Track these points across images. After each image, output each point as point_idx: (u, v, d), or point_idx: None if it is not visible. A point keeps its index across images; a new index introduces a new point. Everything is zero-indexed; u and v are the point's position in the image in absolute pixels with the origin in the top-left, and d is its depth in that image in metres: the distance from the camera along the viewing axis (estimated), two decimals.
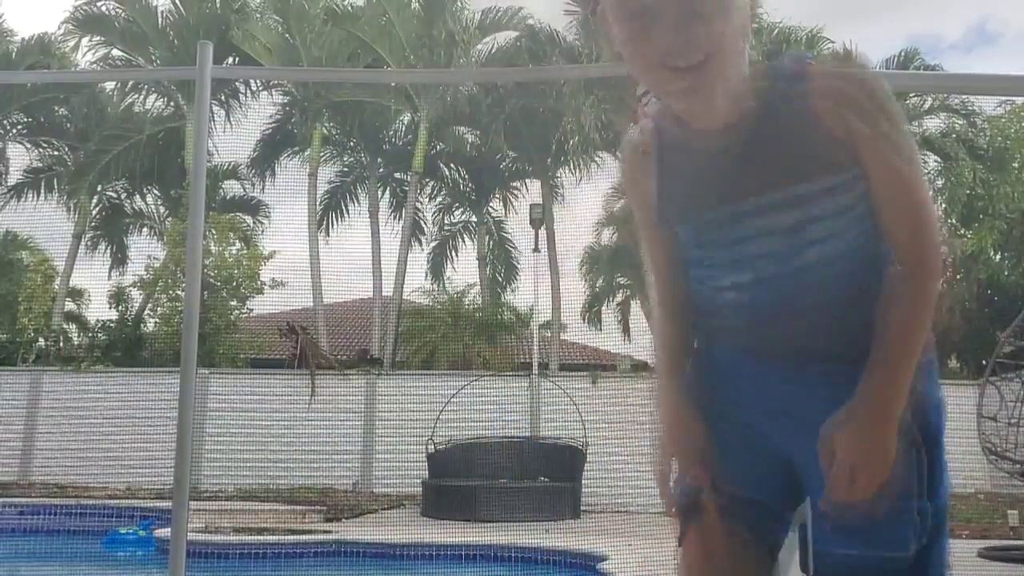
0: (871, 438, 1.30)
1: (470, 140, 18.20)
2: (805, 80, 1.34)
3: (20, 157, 17.71)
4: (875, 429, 1.31)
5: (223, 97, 17.36)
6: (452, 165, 18.48)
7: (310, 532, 9.02)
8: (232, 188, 18.49)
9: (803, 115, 1.31)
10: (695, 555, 1.50)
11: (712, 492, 1.48)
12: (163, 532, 7.65)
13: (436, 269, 18.55)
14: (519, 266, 18.68)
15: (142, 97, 17.74)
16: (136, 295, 16.47)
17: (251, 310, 15.95)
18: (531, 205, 16.40)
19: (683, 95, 1.30)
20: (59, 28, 17.40)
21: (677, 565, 1.52)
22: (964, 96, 15.51)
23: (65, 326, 16.52)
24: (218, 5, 17.48)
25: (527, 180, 18.03)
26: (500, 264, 18.88)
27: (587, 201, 17.74)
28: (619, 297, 20.66)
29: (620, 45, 1.29)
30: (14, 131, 17.69)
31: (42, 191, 17.71)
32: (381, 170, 18.04)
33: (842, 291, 1.37)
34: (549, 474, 11.36)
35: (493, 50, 17.08)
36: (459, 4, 17.10)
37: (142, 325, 16.01)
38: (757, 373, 1.43)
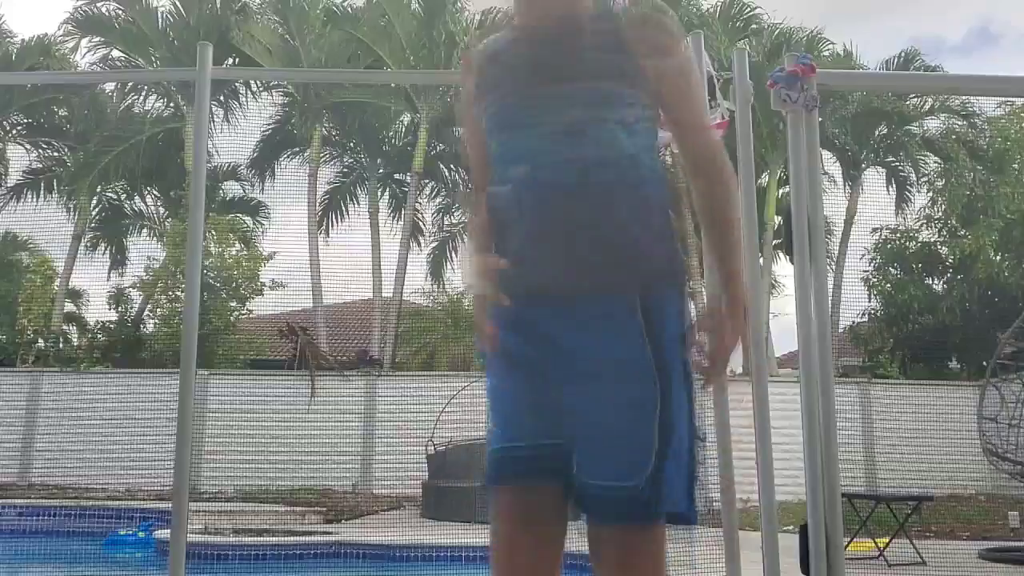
0: (737, 328, 1.55)
1: None
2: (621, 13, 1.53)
3: (20, 158, 17.72)
4: (739, 320, 1.55)
5: (223, 98, 17.36)
6: (452, 166, 18.47)
7: (310, 533, 9.02)
8: (232, 189, 18.49)
9: (617, 32, 1.49)
10: (512, 521, 1.54)
11: (506, 444, 1.54)
12: (163, 533, 7.64)
13: (436, 270, 18.55)
14: None
15: (142, 98, 17.74)
16: (136, 296, 16.47)
17: (251, 311, 15.94)
18: None
19: None
20: (59, 29, 17.42)
21: (491, 535, 1.55)
22: (964, 97, 15.50)
23: (65, 327, 16.50)
24: (218, 6, 17.48)
25: None
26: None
27: None
28: None
29: None
30: (14, 132, 17.68)
31: (42, 192, 17.70)
32: (381, 171, 18.03)
33: (621, 200, 1.48)
34: None
35: None
36: (459, 5, 17.11)
37: (142, 326, 16.00)
38: (536, 317, 1.51)
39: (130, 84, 17.56)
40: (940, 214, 16.96)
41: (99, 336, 15.63)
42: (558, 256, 1.47)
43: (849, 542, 6.61)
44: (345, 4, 17.50)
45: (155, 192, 18.45)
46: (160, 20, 17.32)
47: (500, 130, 1.53)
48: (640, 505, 1.43)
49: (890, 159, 17.66)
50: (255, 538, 8.46)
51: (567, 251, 1.46)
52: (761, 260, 11.57)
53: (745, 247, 3.26)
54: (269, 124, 17.69)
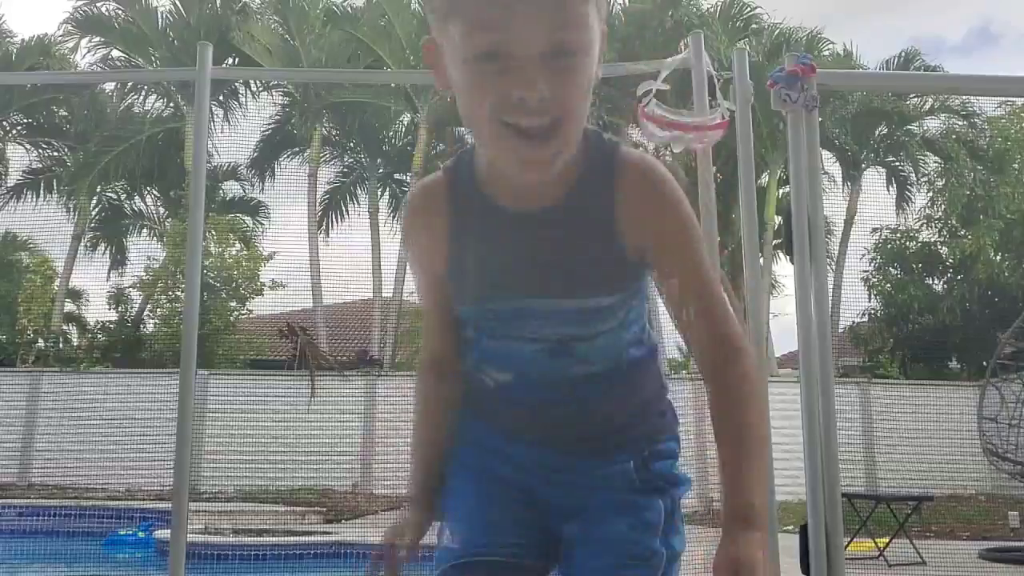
0: (760, 544, 1.20)
1: (470, 141, 18.12)
2: (613, 169, 1.22)
3: (20, 158, 17.73)
4: (761, 534, 1.20)
5: (223, 98, 17.36)
6: None
7: (310, 533, 9.02)
8: (232, 189, 18.50)
9: (607, 211, 1.21)
10: None
11: (464, 559, 1.35)
12: (163, 533, 7.64)
13: None
14: None
15: (142, 98, 17.75)
16: (136, 296, 16.48)
17: (251, 311, 15.95)
18: None
19: (525, 165, 1.13)
20: (59, 29, 17.44)
21: None
22: (964, 97, 15.51)
23: (65, 327, 16.51)
24: (218, 6, 17.49)
25: None
26: None
27: None
28: None
29: (461, 93, 1.10)
30: (14, 132, 17.69)
31: (42, 192, 17.70)
32: (381, 171, 18.04)
33: (605, 402, 1.33)
34: None
35: None
36: None
37: (142, 326, 16.01)
38: (525, 454, 1.36)
39: (130, 84, 17.57)
40: (940, 214, 16.98)
41: (99, 336, 15.63)
42: (544, 436, 1.35)
43: (849, 542, 6.61)
44: (345, 4, 17.52)
45: (155, 192, 18.45)
46: (160, 20, 17.32)
47: (476, 330, 1.33)
48: None
49: (890, 159, 17.67)
50: (255, 538, 8.46)
51: (554, 435, 1.35)
52: (761, 260, 11.57)
53: (745, 247, 3.28)
54: (269, 124, 17.70)
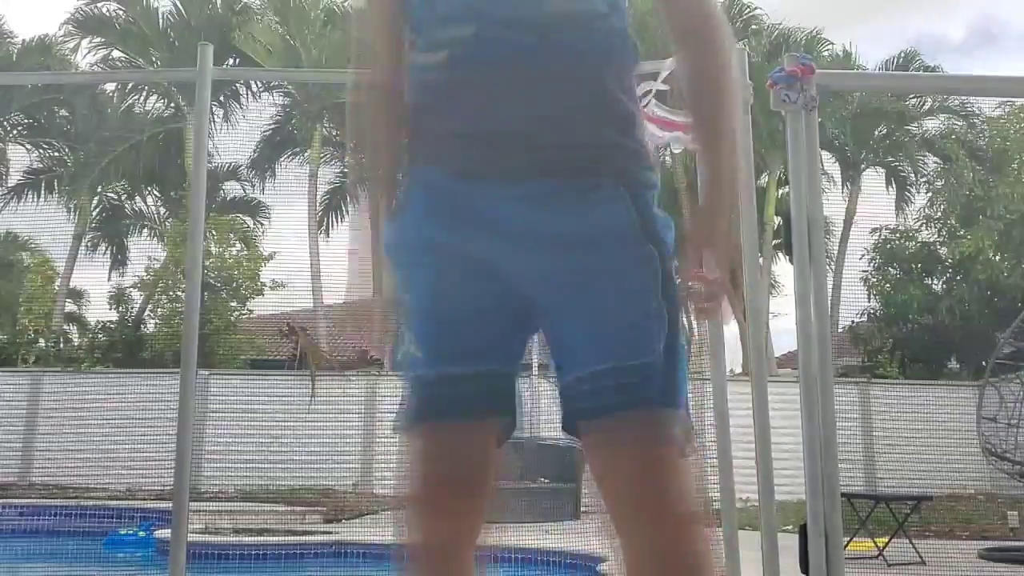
0: (725, 225, 1.28)
1: None
2: None
3: (20, 158, 17.73)
4: (724, 216, 1.27)
5: (223, 98, 17.36)
6: None
7: (310, 533, 9.02)
8: (232, 189, 18.50)
9: None
10: (431, 458, 1.22)
11: (433, 370, 1.22)
12: (163, 533, 7.64)
13: None
14: None
15: (142, 98, 17.75)
16: (136, 296, 16.48)
17: (251, 311, 15.95)
18: None
19: None
20: (59, 30, 17.44)
21: (405, 469, 1.24)
22: (963, 97, 15.52)
23: (65, 327, 16.51)
24: (218, 6, 17.49)
25: None
26: None
27: None
28: None
29: None
30: (14, 132, 17.69)
31: (42, 192, 17.69)
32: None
33: (587, 71, 1.19)
34: (549, 475, 11.35)
35: None
36: None
37: (142, 326, 16.00)
38: (480, 197, 1.20)
39: (130, 84, 17.57)
40: (939, 214, 16.98)
41: (99, 336, 15.63)
42: (509, 133, 1.18)
43: (849, 542, 6.61)
44: (345, 4, 17.51)
45: (155, 192, 18.45)
46: (160, 20, 17.32)
47: None
48: (656, 381, 1.13)
49: (890, 159, 17.68)
50: (255, 538, 8.46)
51: (521, 126, 1.17)
52: (761, 260, 11.58)
53: (745, 247, 3.28)
54: (269, 124, 17.70)
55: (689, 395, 1.21)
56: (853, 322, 16.50)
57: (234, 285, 15.47)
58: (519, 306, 1.23)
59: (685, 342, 1.19)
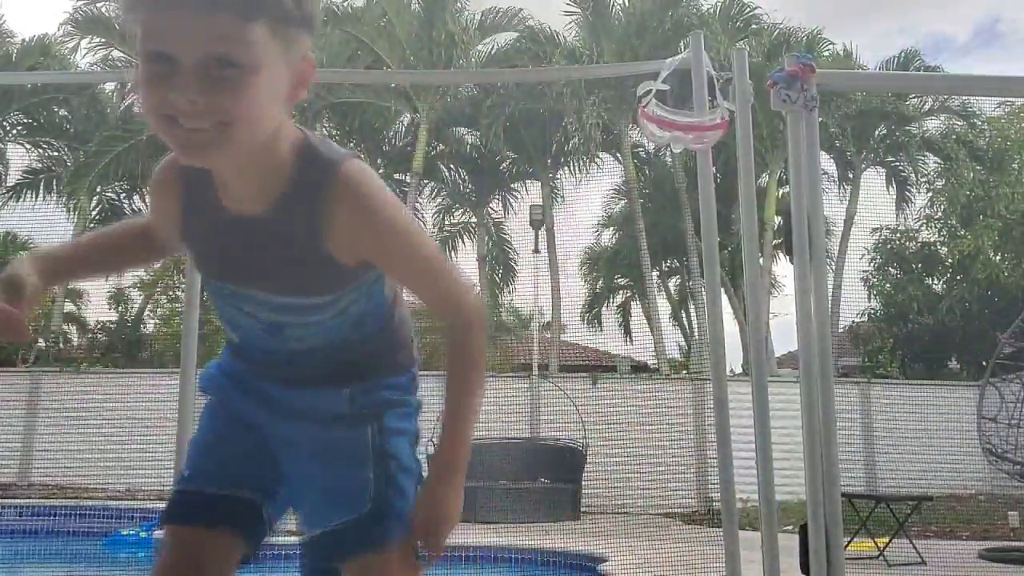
0: (453, 496, 1.49)
1: (470, 141, 18.22)
2: (325, 183, 1.31)
3: (20, 158, 17.73)
4: (454, 488, 1.49)
5: None
6: (452, 166, 18.48)
7: None
8: None
9: (317, 224, 1.31)
10: (176, 560, 1.48)
11: (199, 490, 1.50)
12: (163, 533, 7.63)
13: None
14: (519, 267, 18.70)
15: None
16: (136, 296, 16.48)
17: None
18: (531, 206, 16.41)
19: (179, 150, 1.23)
20: (59, 29, 17.43)
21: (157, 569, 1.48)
22: (964, 97, 15.52)
23: (65, 327, 16.51)
24: None
25: (527, 181, 18.04)
26: (499, 265, 18.89)
27: (587, 202, 17.77)
28: (619, 298, 20.67)
29: (139, 84, 1.20)
30: (14, 132, 17.69)
31: (41, 192, 17.71)
32: (381, 171, 18.01)
33: (322, 364, 1.48)
34: (549, 475, 11.36)
35: (493, 51, 17.10)
36: (459, 5, 17.12)
37: (142, 326, 16.01)
38: (261, 387, 1.51)
39: (130, 84, 17.57)
40: (940, 214, 16.99)
41: (99, 336, 15.63)
42: (277, 377, 1.52)
43: (849, 542, 6.61)
44: (345, 3, 17.52)
45: None
46: None
47: (205, 284, 1.54)
48: (366, 531, 1.46)
49: (890, 159, 17.68)
50: None
51: (286, 375, 1.51)
52: (761, 260, 11.59)
53: (745, 247, 3.28)
54: None
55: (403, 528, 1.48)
56: (853, 322, 16.52)
57: None
58: (276, 466, 1.53)
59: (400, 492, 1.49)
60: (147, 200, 1.47)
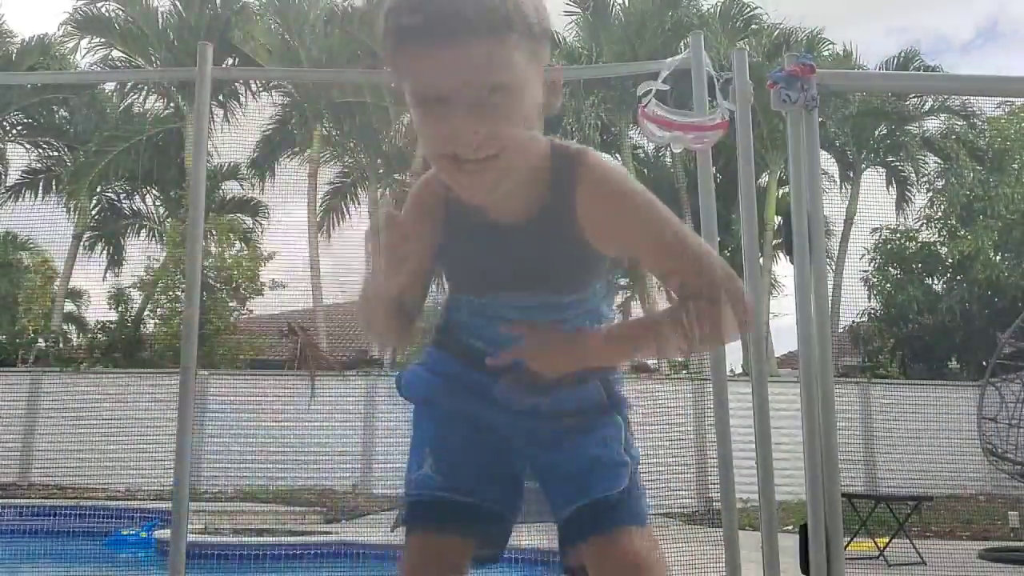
0: (567, 356, 1.43)
1: None
2: (573, 180, 1.34)
3: (20, 158, 17.73)
4: (574, 355, 1.43)
5: (223, 98, 17.35)
6: None
7: (310, 533, 9.02)
8: (232, 189, 18.50)
9: (572, 220, 1.35)
10: (417, 564, 1.49)
11: (445, 493, 1.49)
12: (163, 533, 7.64)
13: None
14: None
15: (142, 98, 17.76)
16: (136, 296, 16.48)
17: (251, 311, 15.95)
18: None
19: (466, 185, 1.27)
20: (59, 29, 17.45)
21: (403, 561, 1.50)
22: (964, 97, 15.52)
23: (65, 327, 16.50)
24: (218, 6, 17.49)
25: None
26: None
27: None
28: (619, 299, 20.68)
29: (417, 129, 1.25)
30: (13, 132, 17.69)
31: (41, 192, 17.71)
32: (381, 171, 18.03)
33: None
34: None
35: None
36: None
37: (142, 326, 16.00)
38: (498, 387, 1.49)
39: (129, 84, 17.57)
40: (940, 214, 16.98)
41: (99, 336, 15.63)
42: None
43: (849, 542, 6.61)
44: (345, 4, 17.52)
45: (155, 192, 18.45)
46: (160, 20, 17.32)
47: (456, 302, 1.55)
48: (621, 507, 1.46)
49: (890, 159, 17.68)
50: (255, 538, 8.45)
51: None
52: (761, 260, 11.58)
53: (745, 247, 3.28)
54: (269, 124, 17.70)
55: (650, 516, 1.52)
56: (853, 322, 16.50)
57: (233, 285, 15.46)
58: (518, 474, 1.56)
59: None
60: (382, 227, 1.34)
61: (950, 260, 16.20)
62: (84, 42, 17.53)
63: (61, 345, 15.51)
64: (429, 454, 1.53)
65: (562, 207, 1.35)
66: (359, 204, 18.09)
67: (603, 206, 1.34)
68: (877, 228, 16.81)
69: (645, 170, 18.47)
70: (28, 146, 17.79)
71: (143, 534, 8.71)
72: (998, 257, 16.00)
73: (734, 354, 15.30)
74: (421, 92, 1.21)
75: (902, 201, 17.68)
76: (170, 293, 15.26)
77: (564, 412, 1.48)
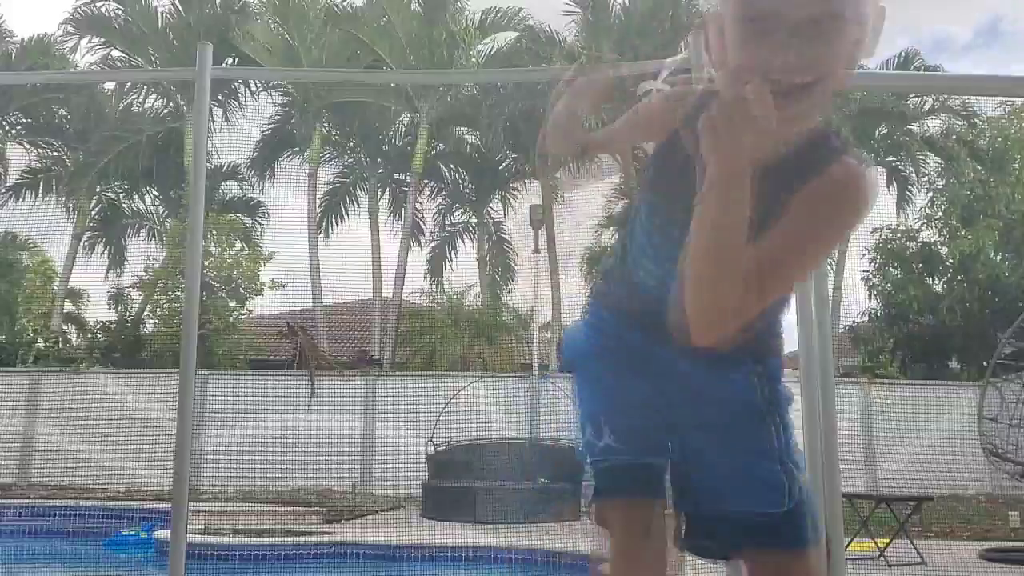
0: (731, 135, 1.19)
1: (470, 141, 18.22)
2: (823, 167, 1.29)
3: (19, 158, 17.73)
4: (737, 143, 1.19)
5: (222, 98, 17.36)
6: (452, 166, 18.48)
7: (310, 533, 9.01)
8: (232, 189, 18.51)
9: (802, 182, 1.28)
10: (631, 534, 1.49)
11: (632, 458, 1.50)
12: (163, 533, 7.64)
13: (436, 270, 18.55)
14: (519, 267, 18.69)
15: (141, 98, 17.75)
16: (136, 296, 16.48)
17: (251, 311, 15.95)
18: (531, 206, 16.39)
19: (780, 107, 1.14)
20: (59, 29, 17.46)
21: (611, 552, 1.49)
22: (964, 97, 15.51)
23: (64, 327, 16.50)
24: (218, 6, 17.49)
25: (527, 181, 18.03)
26: (500, 265, 18.88)
27: (587, 202, 17.75)
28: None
29: (730, 48, 1.18)
30: (13, 132, 17.69)
31: (41, 192, 17.71)
32: (381, 171, 18.03)
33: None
34: (549, 475, 11.35)
35: (493, 51, 17.10)
36: (459, 5, 17.12)
37: (141, 326, 16.00)
38: (664, 354, 1.47)
39: (129, 84, 17.57)
40: (940, 214, 16.96)
41: (99, 336, 15.63)
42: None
43: (849, 542, 6.60)
44: (345, 4, 17.51)
45: (155, 192, 18.45)
46: (160, 20, 17.32)
47: (643, 227, 1.50)
48: (793, 528, 1.46)
49: (891, 159, 17.66)
50: (255, 538, 8.45)
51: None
52: None
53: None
54: (269, 124, 17.70)
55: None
56: (854, 322, 16.50)
57: (233, 285, 15.46)
58: (673, 437, 1.54)
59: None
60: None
61: (950, 260, 16.19)
62: (84, 42, 17.55)
63: (61, 345, 15.51)
64: (605, 423, 1.52)
65: (790, 180, 1.27)
66: (359, 205, 18.10)
67: (819, 204, 1.27)
68: (877, 228, 16.79)
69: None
70: (28, 146, 17.79)
71: (143, 534, 8.70)
72: (999, 257, 15.99)
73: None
74: (754, 7, 1.15)
75: (902, 201, 17.67)
76: (170, 293, 15.27)
77: (720, 399, 1.46)
